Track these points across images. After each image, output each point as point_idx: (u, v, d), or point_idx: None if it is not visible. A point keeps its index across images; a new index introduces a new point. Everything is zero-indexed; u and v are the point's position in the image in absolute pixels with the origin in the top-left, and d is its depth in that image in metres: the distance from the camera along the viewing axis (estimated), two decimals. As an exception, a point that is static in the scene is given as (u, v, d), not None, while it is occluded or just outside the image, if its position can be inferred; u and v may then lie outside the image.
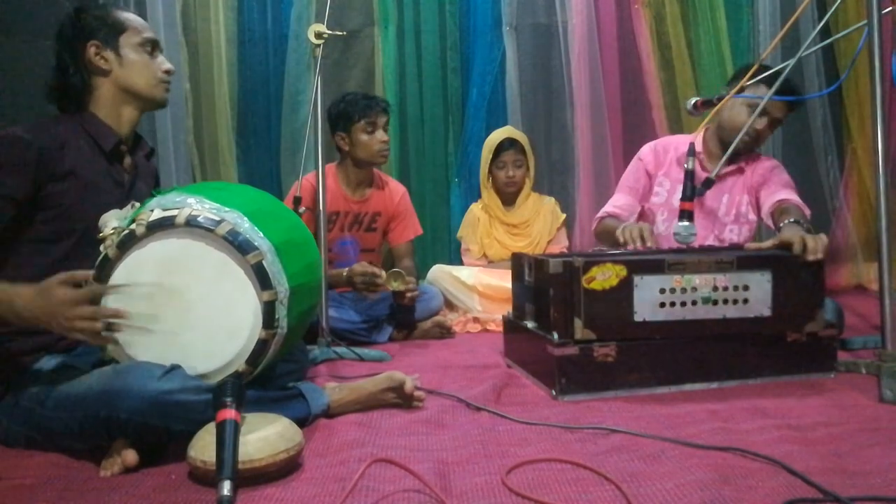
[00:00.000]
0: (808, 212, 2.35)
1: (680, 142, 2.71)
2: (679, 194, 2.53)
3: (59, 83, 1.72)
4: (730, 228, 2.60)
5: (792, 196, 2.40)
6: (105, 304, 1.43)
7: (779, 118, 2.49)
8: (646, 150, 2.72)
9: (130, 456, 1.36)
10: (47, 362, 1.56)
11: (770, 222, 2.44)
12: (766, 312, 1.91)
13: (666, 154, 2.68)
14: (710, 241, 2.60)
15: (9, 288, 1.42)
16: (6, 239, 1.55)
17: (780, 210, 2.34)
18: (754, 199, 2.58)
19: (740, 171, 2.58)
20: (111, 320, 1.41)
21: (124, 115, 1.75)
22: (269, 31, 3.62)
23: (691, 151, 2.25)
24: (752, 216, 2.61)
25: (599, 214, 2.72)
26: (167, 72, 1.79)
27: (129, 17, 1.76)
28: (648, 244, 2.20)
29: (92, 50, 1.70)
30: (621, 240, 2.26)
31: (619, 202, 2.69)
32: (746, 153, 2.56)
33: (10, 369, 1.55)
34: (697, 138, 2.65)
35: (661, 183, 2.66)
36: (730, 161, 2.42)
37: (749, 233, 2.63)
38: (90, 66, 1.71)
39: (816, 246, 1.89)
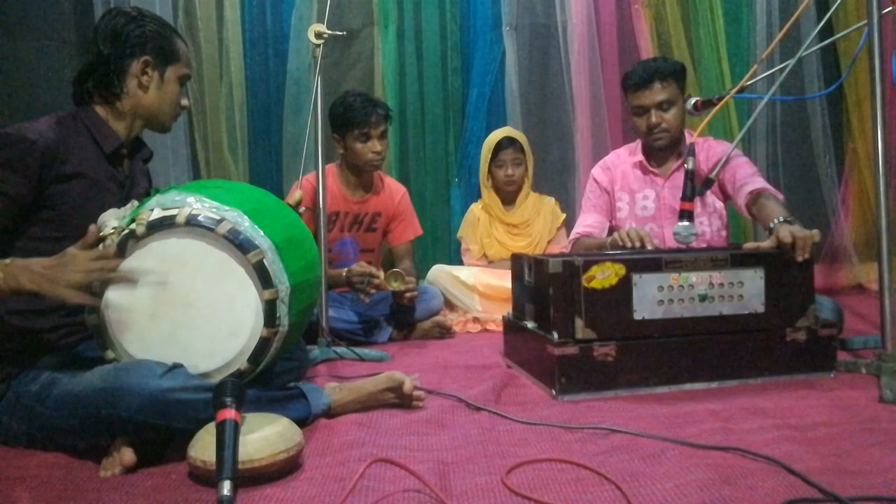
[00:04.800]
0: (781, 197, 2.34)
1: (622, 153, 2.76)
2: (639, 203, 2.65)
3: (90, 71, 1.68)
4: (700, 221, 2.59)
5: (763, 184, 2.39)
6: (107, 299, 1.44)
7: (659, 101, 2.49)
8: (597, 171, 2.76)
9: (127, 455, 1.36)
10: (48, 361, 1.56)
11: (748, 214, 2.43)
12: (760, 309, 1.92)
13: (616, 169, 2.72)
14: None
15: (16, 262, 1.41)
16: (7, 236, 1.55)
17: (756, 201, 2.31)
18: (717, 187, 2.57)
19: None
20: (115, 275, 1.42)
21: (135, 126, 1.75)
22: (270, 32, 3.61)
23: (691, 151, 2.25)
24: (719, 204, 2.61)
25: (572, 237, 2.72)
26: (183, 107, 1.80)
27: (184, 48, 1.76)
28: (648, 246, 2.20)
29: (141, 65, 1.69)
30: (620, 243, 2.24)
31: (588, 221, 2.70)
32: (669, 147, 2.57)
33: (10, 368, 1.54)
34: (637, 148, 2.68)
35: (621, 198, 2.69)
36: (677, 157, 2.51)
37: (721, 221, 2.62)
38: (131, 76, 1.69)
39: (805, 244, 1.89)
